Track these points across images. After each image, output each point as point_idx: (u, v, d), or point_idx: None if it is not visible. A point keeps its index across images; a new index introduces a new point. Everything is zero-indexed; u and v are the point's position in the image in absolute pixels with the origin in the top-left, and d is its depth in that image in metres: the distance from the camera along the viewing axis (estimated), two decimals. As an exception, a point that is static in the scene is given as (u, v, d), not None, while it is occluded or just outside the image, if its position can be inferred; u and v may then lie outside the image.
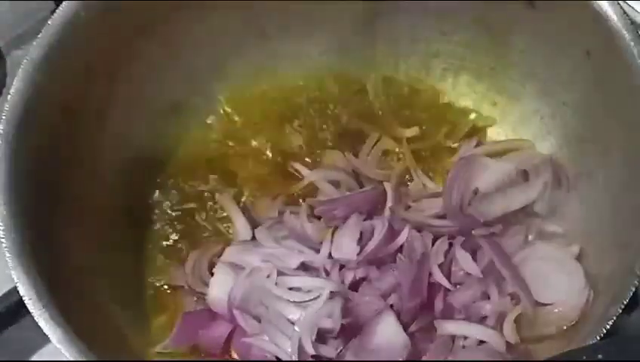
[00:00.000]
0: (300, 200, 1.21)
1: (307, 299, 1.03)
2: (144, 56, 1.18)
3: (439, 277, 1.08)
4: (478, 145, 1.24)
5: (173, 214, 1.22)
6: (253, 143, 1.27)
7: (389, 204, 1.14)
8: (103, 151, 1.17)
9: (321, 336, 1.03)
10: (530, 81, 1.22)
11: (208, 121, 1.28)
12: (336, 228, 1.12)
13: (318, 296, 1.03)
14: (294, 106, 1.29)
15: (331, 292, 1.03)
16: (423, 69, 1.30)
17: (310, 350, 1.00)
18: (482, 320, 1.08)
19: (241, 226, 1.18)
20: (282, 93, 1.30)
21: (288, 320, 1.03)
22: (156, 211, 1.23)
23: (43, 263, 0.98)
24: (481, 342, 1.06)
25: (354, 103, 1.29)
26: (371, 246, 1.08)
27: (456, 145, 1.26)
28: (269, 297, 1.05)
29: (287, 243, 1.13)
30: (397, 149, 1.24)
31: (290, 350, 1.01)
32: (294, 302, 1.04)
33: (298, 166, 1.22)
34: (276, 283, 1.06)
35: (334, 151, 1.24)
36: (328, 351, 1.03)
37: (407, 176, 1.23)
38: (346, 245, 1.08)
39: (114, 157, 1.19)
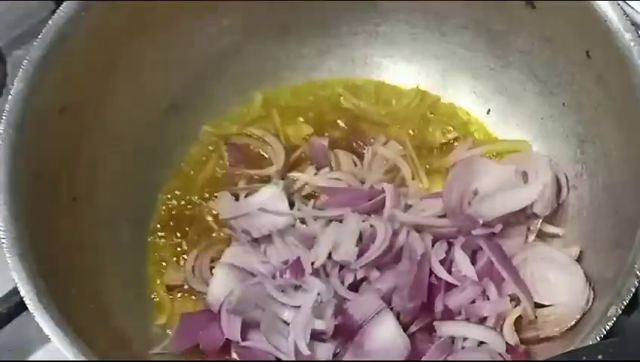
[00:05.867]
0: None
1: (300, 301, 1.03)
2: (144, 56, 1.18)
3: (441, 273, 1.08)
4: (474, 145, 1.24)
5: (173, 214, 1.22)
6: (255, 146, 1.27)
7: (388, 204, 1.14)
8: (103, 152, 1.17)
9: (319, 337, 1.03)
10: (530, 81, 1.22)
11: (208, 121, 1.28)
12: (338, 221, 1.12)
13: (310, 297, 1.03)
14: (296, 108, 1.29)
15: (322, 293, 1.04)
16: (423, 69, 1.30)
17: (305, 351, 1.00)
18: (482, 320, 1.08)
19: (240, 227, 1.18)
20: (283, 95, 1.30)
21: (284, 321, 1.03)
22: (156, 211, 1.23)
23: (43, 263, 0.98)
24: (481, 342, 1.06)
25: (355, 105, 1.29)
26: (373, 253, 1.07)
27: (453, 145, 1.26)
28: (265, 299, 1.05)
29: (289, 239, 1.13)
30: (400, 148, 1.24)
31: (287, 351, 1.02)
32: (289, 303, 1.04)
33: (294, 174, 1.22)
34: (272, 285, 1.06)
35: (341, 152, 1.24)
36: (326, 351, 1.03)
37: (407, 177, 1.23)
38: (345, 247, 1.08)
39: (114, 157, 1.19)
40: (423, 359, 1.04)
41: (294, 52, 1.30)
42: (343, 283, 1.08)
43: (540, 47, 1.18)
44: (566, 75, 1.16)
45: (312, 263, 1.09)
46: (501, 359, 1.04)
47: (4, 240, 0.97)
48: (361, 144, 1.25)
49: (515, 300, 1.09)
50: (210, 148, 1.27)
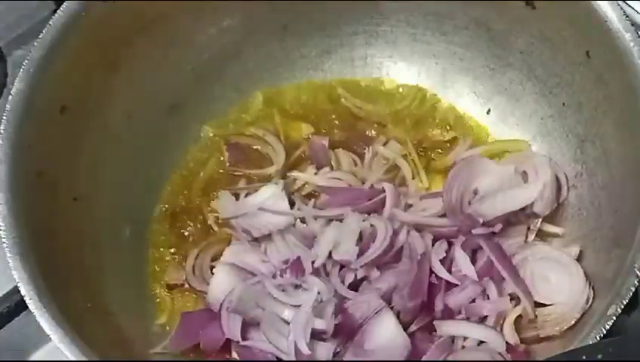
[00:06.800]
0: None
1: (300, 300, 1.03)
2: (144, 56, 1.18)
3: (442, 272, 1.08)
4: (474, 145, 1.25)
5: (174, 213, 1.22)
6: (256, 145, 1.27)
7: (388, 203, 1.14)
8: (104, 152, 1.17)
9: (320, 336, 1.03)
10: (530, 81, 1.23)
11: (208, 121, 1.28)
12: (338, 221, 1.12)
13: (310, 297, 1.03)
14: (296, 108, 1.29)
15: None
16: (423, 70, 1.30)
17: (305, 350, 1.00)
18: (482, 320, 1.08)
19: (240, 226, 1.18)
20: (283, 95, 1.30)
21: (284, 320, 1.03)
22: (156, 211, 1.23)
23: (44, 263, 0.98)
24: (481, 342, 1.06)
25: (355, 105, 1.29)
26: (373, 252, 1.08)
27: (453, 145, 1.26)
28: (265, 298, 1.05)
29: (289, 238, 1.13)
30: (400, 148, 1.24)
31: (287, 350, 1.02)
32: (289, 302, 1.04)
33: (295, 173, 1.22)
34: (273, 284, 1.06)
35: (341, 152, 1.24)
36: (326, 350, 1.03)
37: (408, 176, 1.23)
38: (345, 246, 1.08)
39: (114, 157, 1.19)
40: (423, 358, 1.04)
41: (294, 52, 1.30)
42: (343, 282, 1.08)
43: (539, 47, 1.18)
44: (566, 75, 1.16)
45: (313, 262, 1.09)
46: (501, 358, 1.04)
47: (4, 240, 0.97)
48: (361, 144, 1.25)
49: (515, 299, 1.09)
50: (210, 148, 1.27)
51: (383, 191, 1.15)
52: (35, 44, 1.05)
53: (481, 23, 1.22)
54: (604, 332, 0.93)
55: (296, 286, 1.06)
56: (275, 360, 1.04)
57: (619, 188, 1.09)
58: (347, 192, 1.18)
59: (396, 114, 1.28)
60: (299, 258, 1.09)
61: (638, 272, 0.94)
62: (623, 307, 0.93)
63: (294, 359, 1.01)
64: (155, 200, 1.23)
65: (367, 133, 1.27)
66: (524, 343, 1.08)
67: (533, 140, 1.24)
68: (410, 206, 1.17)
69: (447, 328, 1.06)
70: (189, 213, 1.22)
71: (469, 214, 1.11)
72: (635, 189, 1.04)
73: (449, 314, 1.08)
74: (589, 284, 1.07)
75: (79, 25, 1.07)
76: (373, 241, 1.08)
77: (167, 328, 1.14)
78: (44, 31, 1.05)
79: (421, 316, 1.07)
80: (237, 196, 1.20)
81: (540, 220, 1.16)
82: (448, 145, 1.26)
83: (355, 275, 1.08)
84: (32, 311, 0.94)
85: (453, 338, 1.07)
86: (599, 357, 0.82)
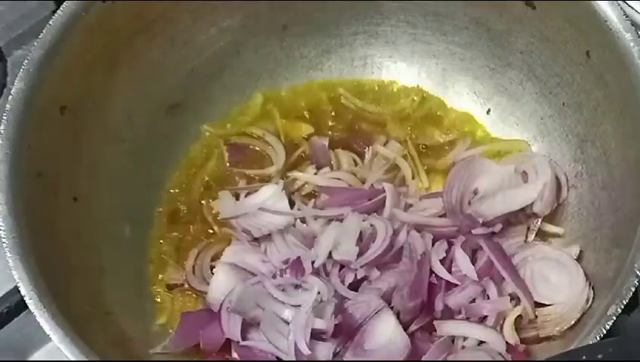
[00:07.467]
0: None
1: (300, 300, 1.03)
2: (144, 56, 1.18)
3: (442, 272, 1.08)
4: (474, 145, 1.25)
5: (174, 213, 1.22)
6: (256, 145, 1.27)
7: (388, 203, 1.14)
8: (103, 152, 1.17)
9: (320, 336, 1.03)
10: (530, 81, 1.23)
11: (208, 121, 1.28)
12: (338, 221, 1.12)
13: (310, 297, 1.03)
14: (296, 108, 1.29)
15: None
16: (423, 69, 1.30)
17: (305, 350, 1.00)
18: (482, 320, 1.08)
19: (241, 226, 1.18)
20: (283, 95, 1.30)
21: (284, 320, 1.03)
22: (156, 210, 1.23)
23: (44, 263, 0.98)
24: (481, 342, 1.06)
25: (356, 105, 1.29)
26: (373, 252, 1.07)
27: (453, 145, 1.26)
28: (265, 298, 1.05)
29: (289, 238, 1.13)
30: (400, 148, 1.24)
31: (287, 350, 1.02)
32: (289, 302, 1.04)
33: (295, 173, 1.22)
34: (272, 284, 1.06)
35: (341, 151, 1.24)
36: (326, 350, 1.03)
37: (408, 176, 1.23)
38: (345, 246, 1.08)
39: (114, 157, 1.19)
40: (423, 358, 1.04)
41: (294, 52, 1.30)
42: (343, 282, 1.08)
43: (539, 47, 1.18)
44: (566, 75, 1.16)
45: (313, 262, 1.09)
46: (501, 358, 1.04)
47: (4, 240, 0.97)
48: (362, 144, 1.26)
49: (515, 299, 1.09)
50: (210, 148, 1.27)
51: (383, 191, 1.15)
52: (35, 44, 1.05)
53: (481, 23, 1.22)
54: (604, 332, 0.92)
55: (296, 286, 1.06)
56: (275, 360, 1.04)
57: (619, 188, 1.09)
58: (347, 192, 1.18)
59: (396, 114, 1.29)
60: (299, 258, 1.09)
61: (638, 272, 0.94)
62: (623, 307, 0.93)
63: (294, 359, 1.01)
64: (155, 200, 1.23)
65: (367, 133, 1.27)
66: (524, 343, 1.07)
67: (533, 140, 1.24)
68: (410, 206, 1.17)
69: (447, 328, 1.06)
70: (189, 213, 1.22)
71: (469, 214, 1.11)
72: (635, 189, 1.03)
73: (449, 314, 1.08)
74: (589, 284, 1.07)
75: (79, 25, 1.07)
76: (373, 241, 1.09)
77: (167, 328, 1.14)
78: (44, 31, 1.05)
79: (421, 316, 1.07)
80: (237, 196, 1.20)
81: (540, 220, 1.16)
82: (448, 145, 1.26)
83: (355, 275, 1.08)
84: (32, 311, 0.94)
85: (453, 338, 1.07)
86: (599, 356, 0.82)
